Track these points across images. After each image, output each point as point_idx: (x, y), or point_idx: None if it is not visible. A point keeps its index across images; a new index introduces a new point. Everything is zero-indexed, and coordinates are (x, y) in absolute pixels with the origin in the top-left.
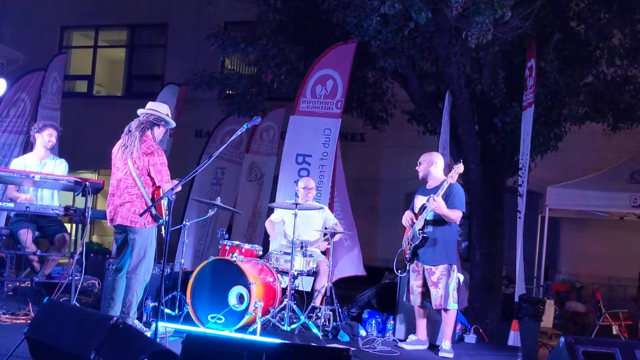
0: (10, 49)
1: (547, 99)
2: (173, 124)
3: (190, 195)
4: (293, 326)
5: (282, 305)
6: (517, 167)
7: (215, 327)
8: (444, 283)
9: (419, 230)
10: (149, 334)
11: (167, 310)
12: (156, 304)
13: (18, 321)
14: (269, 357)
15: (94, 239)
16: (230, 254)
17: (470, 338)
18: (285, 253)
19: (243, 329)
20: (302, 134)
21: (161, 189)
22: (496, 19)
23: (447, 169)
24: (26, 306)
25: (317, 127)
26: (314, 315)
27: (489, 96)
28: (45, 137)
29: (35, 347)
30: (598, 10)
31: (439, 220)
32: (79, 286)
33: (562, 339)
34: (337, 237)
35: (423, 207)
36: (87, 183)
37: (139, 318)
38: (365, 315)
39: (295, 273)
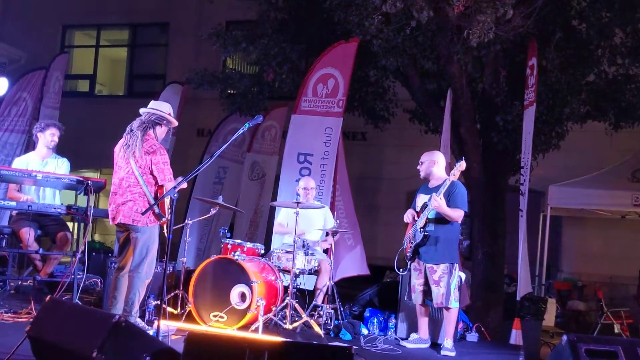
0: (12, 48)
1: (549, 97)
2: (175, 123)
3: (193, 194)
4: (295, 324)
5: (284, 303)
6: (519, 166)
7: (217, 326)
8: (445, 281)
9: (420, 228)
10: (151, 332)
11: (169, 309)
12: (158, 302)
13: (20, 320)
14: (271, 355)
15: (96, 237)
16: (232, 253)
17: (472, 336)
18: (287, 252)
19: (245, 328)
20: (303, 133)
21: (164, 188)
22: (498, 18)
23: (449, 168)
24: (28, 305)
25: (318, 126)
26: (316, 313)
27: (491, 95)
28: (48, 137)
29: (38, 345)
30: (599, 9)
31: (440, 219)
32: (81, 285)
33: (564, 337)
34: (337, 236)
35: (425, 206)
36: (89, 182)
37: (141, 316)
38: (367, 314)
39: (297, 271)
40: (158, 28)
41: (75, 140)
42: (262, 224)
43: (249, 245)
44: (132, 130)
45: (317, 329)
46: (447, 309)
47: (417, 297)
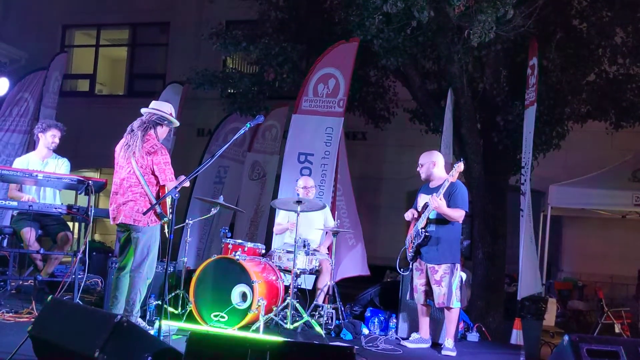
0: (13, 48)
1: (550, 97)
2: (176, 123)
3: (193, 193)
4: (296, 324)
5: (285, 303)
6: (520, 166)
7: (218, 325)
8: (447, 281)
9: (421, 228)
10: (152, 332)
11: (170, 309)
12: (159, 302)
13: (21, 320)
14: (272, 355)
15: (96, 237)
16: (233, 253)
17: (473, 336)
18: (288, 251)
19: (246, 327)
20: (304, 133)
21: (165, 188)
22: (498, 18)
23: (449, 168)
24: (29, 304)
25: (319, 126)
26: (317, 313)
27: (491, 94)
28: (49, 138)
29: (40, 345)
30: (600, 9)
31: (441, 219)
32: (82, 284)
33: (566, 337)
34: (337, 236)
35: (426, 206)
36: (90, 182)
37: (142, 316)
38: (367, 314)
39: (298, 271)
40: (158, 27)
41: (75, 140)
42: (263, 224)
43: (249, 245)
44: (132, 130)
45: (318, 328)
46: (449, 308)
47: (418, 297)
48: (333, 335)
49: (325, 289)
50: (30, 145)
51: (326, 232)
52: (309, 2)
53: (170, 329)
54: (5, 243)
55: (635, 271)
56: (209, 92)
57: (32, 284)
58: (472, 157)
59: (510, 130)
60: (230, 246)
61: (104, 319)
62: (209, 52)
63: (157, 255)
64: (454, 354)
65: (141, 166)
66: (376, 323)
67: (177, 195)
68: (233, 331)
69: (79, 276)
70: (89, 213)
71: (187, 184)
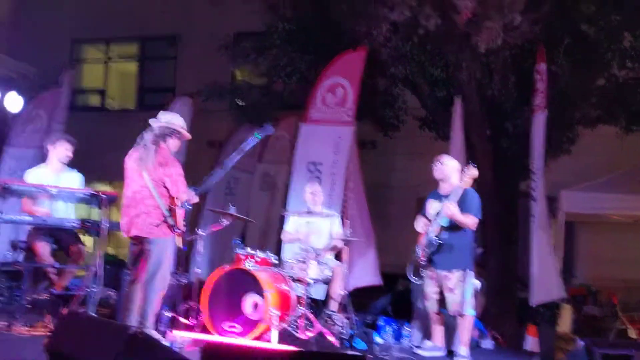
0: (22, 64)
1: (559, 102)
2: (188, 136)
3: (204, 205)
4: (309, 334)
5: (298, 313)
6: (530, 171)
7: (230, 336)
8: (460, 289)
9: (434, 236)
10: (166, 343)
11: (183, 320)
12: (172, 313)
13: (36, 333)
14: None
15: (109, 250)
16: (245, 263)
17: (487, 344)
18: (300, 261)
19: (259, 337)
20: (313, 143)
21: (177, 200)
22: (505, 24)
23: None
24: (44, 318)
25: (327, 135)
26: (330, 322)
27: (500, 101)
28: (62, 152)
29: (55, 358)
30: (608, 13)
31: (454, 226)
32: (97, 298)
33: (580, 342)
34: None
35: (437, 214)
36: (103, 195)
37: (156, 328)
38: (380, 323)
39: (312, 281)
40: (167, 41)
41: (86, 153)
42: (273, 234)
43: (261, 255)
44: (144, 143)
45: (331, 338)
46: (462, 316)
47: (431, 305)
48: (346, 344)
49: (338, 298)
50: (41, 159)
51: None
52: (316, 13)
53: (184, 340)
54: (20, 257)
55: None
56: (219, 104)
57: (47, 297)
58: (482, 163)
59: (520, 136)
60: (242, 256)
61: (118, 330)
62: (217, 64)
63: (170, 267)
64: None
65: (153, 179)
66: (389, 332)
67: (189, 207)
68: (246, 341)
69: (93, 289)
70: (102, 226)
71: (196, 199)
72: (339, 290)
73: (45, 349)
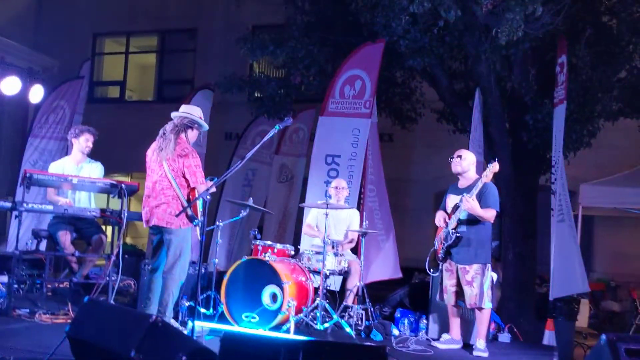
0: (46, 57)
1: (580, 95)
2: (206, 127)
3: (222, 196)
4: (326, 325)
5: (315, 304)
6: (550, 165)
7: (249, 326)
8: (478, 282)
9: (452, 229)
10: (185, 332)
11: (202, 310)
12: (192, 303)
13: (58, 321)
14: (306, 354)
15: (128, 240)
16: (263, 254)
17: (505, 337)
18: (317, 253)
19: (276, 328)
20: (331, 135)
21: (196, 190)
22: (527, 15)
23: (480, 168)
24: (65, 306)
25: (345, 128)
26: (347, 314)
27: (520, 93)
28: (83, 143)
29: (77, 345)
30: (630, 4)
31: (472, 220)
32: (116, 286)
33: (603, 337)
34: (366, 237)
35: (456, 207)
36: (122, 185)
37: (175, 317)
38: (397, 315)
39: (327, 272)
40: (186, 34)
41: (106, 145)
42: (291, 226)
43: (279, 246)
44: (164, 134)
45: (348, 329)
46: (480, 309)
47: (449, 298)
48: (363, 336)
49: (355, 290)
50: (66, 151)
51: (348, 234)
52: (334, 5)
53: (203, 329)
54: (41, 246)
55: None
56: (237, 97)
57: (68, 286)
58: (501, 156)
59: (540, 129)
60: (260, 248)
61: (139, 319)
62: (236, 57)
63: (189, 257)
64: (486, 354)
65: (173, 169)
66: (406, 324)
67: (208, 197)
68: (264, 332)
69: (113, 278)
70: (122, 216)
71: (214, 189)
72: (355, 282)
73: (68, 336)
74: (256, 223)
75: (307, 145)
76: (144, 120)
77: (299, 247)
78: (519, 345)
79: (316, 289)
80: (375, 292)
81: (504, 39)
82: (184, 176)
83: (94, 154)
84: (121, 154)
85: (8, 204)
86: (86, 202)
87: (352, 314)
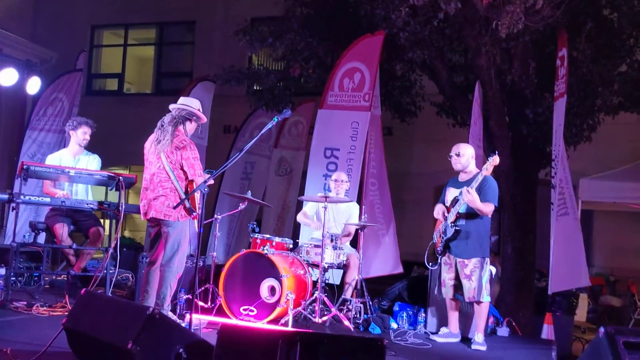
0: (44, 49)
1: (580, 89)
2: (204, 119)
3: (221, 189)
4: (324, 318)
5: (313, 297)
6: (550, 159)
7: (247, 319)
8: (477, 275)
9: (451, 223)
10: (183, 325)
11: (200, 303)
12: (189, 296)
13: (55, 313)
14: (304, 346)
15: (126, 234)
16: (262, 247)
17: (503, 331)
18: (316, 246)
19: (275, 321)
20: (330, 128)
21: (194, 183)
22: (527, 8)
23: (479, 161)
24: (63, 299)
25: (345, 121)
26: (345, 307)
27: (520, 87)
28: (80, 135)
29: (74, 337)
30: None
31: (471, 213)
32: (114, 279)
33: (602, 330)
34: (365, 230)
35: (455, 200)
36: (120, 177)
37: (173, 310)
38: (396, 308)
39: (326, 266)
40: (185, 26)
41: (104, 138)
42: (289, 219)
43: (277, 239)
44: (162, 126)
45: (346, 323)
46: (479, 303)
47: (447, 291)
48: (362, 329)
49: (353, 284)
50: (64, 143)
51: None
52: None
53: (201, 322)
54: (39, 239)
55: None
56: (235, 89)
57: (65, 278)
58: (501, 150)
59: (540, 123)
60: (258, 241)
61: (136, 311)
62: (235, 49)
63: (187, 249)
64: (484, 348)
65: (171, 161)
66: (405, 317)
67: (206, 190)
68: (262, 325)
69: (111, 271)
70: (120, 209)
71: (211, 181)
72: (354, 275)
73: (65, 328)
74: (254, 216)
75: (306, 139)
76: (143, 113)
77: (297, 240)
78: (518, 339)
79: (315, 283)
80: (374, 285)
81: (504, 31)
82: (182, 168)
83: (92, 147)
84: (119, 146)
85: (5, 196)
86: (83, 195)
87: (350, 307)
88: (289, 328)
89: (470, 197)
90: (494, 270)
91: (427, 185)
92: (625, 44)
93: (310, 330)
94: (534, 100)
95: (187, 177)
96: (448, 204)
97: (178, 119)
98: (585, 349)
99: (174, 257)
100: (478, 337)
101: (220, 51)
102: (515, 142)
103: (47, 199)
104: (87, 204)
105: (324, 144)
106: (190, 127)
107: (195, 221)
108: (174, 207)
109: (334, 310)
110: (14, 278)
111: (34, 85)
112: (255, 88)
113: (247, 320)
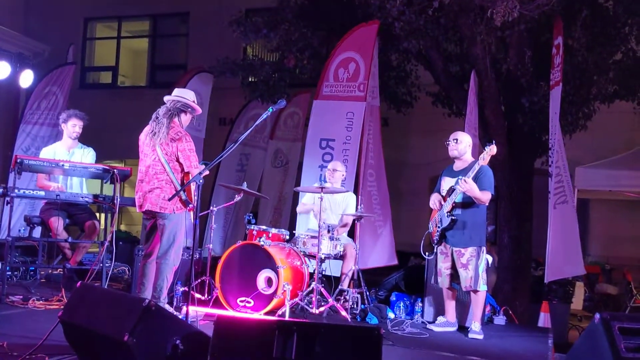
0: (36, 42)
1: (576, 77)
2: (199, 111)
3: (216, 181)
4: (321, 309)
5: (310, 288)
6: (546, 147)
7: (244, 311)
8: (473, 265)
9: (447, 212)
10: (179, 317)
11: (196, 295)
12: (186, 288)
13: (51, 307)
14: (300, 336)
15: (122, 227)
16: (258, 239)
17: (500, 320)
18: (312, 237)
19: (272, 312)
20: (325, 119)
21: (190, 175)
22: None
23: (476, 150)
24: (59, 292)
25: (340, 111)
26: (342, 298)
27: (516, 76)
28: (70, 128)
29: (70, 330)
30: None
31: (467, 203)
32: (110, 272)
33: (597, 316)
34: (362, 221)
35: (452, 190)
36: (115, 170)
37: (169, 302)
38: (393, 298)
39: (323, 256)
40: (178, 18)
41: (98, 131)
42: (286, 211)
43: (274, 231)
44: (157, 118)
45: (343, 313)
46: (475, 292)
47: (443, 281)
48: (359, 319)
49: (350, 274)
50: (58, 137)
51: (343, 218)
52: None
53: (198, 314)
54: (34, 233)
55: None
56: (230, 81)
57: (61, 272)
58: (497, 139)
59: (536, 112)
60: (254, 232)
61: (132, 303)
62: (229, 40)
63: (183, 241)
64: (481, 337)
65: (166, 153)
66: (402, 307)
67: (201, 181)
68: (259, 316)
69: (107, 264)
70: (115, 202)
71: (207, 172)
72: (351, 266)
73: (61, 321)
74: (250, 208)
75: (303, 130)
76: (137, 105)
77: (294, 231)
78: (514, 328)
79: (312, 274)
80: (371, 276)
81: (499, 20)
82: (177, 160)
83: (86, 140)
84: (114, 140)
85: None
86: (78, 188)
87: (347, 297)
88: (286, 319)
89: (468, 187)
90: (490, 259)
91: (423, 176)
92: (620, 32)
93: (307, 320)
94: (529, 89)
95: (182, 169)
96: (444, 193)
97: (173, 110)
98: (581, 335)
99: (170, 249)
100: (475, 326)
101: (214, 43)
102: (511, 131)
103: (42, 193)
104: (82, 198)
105: (320, 135)
106: (185, 118)
107: (191, 213)
108: (169, 199)
109: (331, 300)
110: (9, 272)
111: (26, 78)
112: (250, 79)
113: (244, 311)
